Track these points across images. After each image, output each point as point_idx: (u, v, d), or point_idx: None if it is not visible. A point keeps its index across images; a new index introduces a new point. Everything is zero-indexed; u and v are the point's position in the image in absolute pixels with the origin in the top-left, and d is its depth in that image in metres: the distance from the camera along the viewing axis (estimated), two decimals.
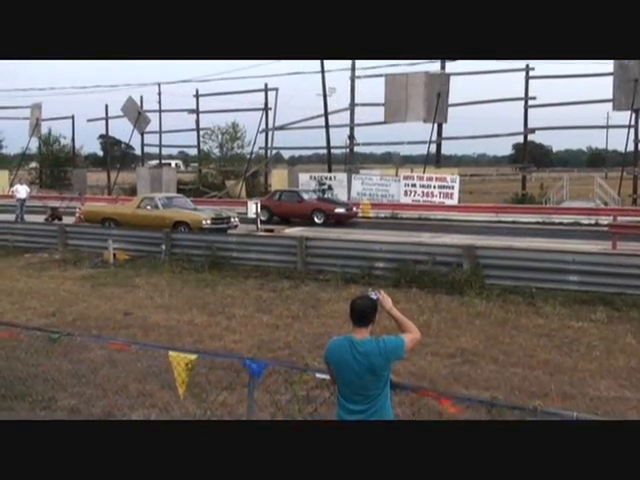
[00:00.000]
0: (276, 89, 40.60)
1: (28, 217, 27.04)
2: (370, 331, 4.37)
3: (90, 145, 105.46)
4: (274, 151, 43.23)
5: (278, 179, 38.55)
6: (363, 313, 4.35)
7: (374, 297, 4.44)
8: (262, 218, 26.83)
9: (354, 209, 29.51)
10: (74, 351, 8.36)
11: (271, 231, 24.01)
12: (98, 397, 7.51)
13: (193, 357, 5.30)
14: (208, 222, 21.34)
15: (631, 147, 33.11)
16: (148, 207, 22.44)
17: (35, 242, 20.23)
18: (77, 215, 25.83)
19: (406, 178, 33.64)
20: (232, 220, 22.93)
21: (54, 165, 49.32)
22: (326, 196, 31.69)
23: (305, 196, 28.91)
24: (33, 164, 53.43)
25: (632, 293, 12.31)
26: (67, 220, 24.97)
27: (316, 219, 27.45)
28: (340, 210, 28.15)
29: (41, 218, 26.10)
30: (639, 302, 11.91)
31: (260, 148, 42.30)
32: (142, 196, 25.08)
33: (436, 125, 36.31)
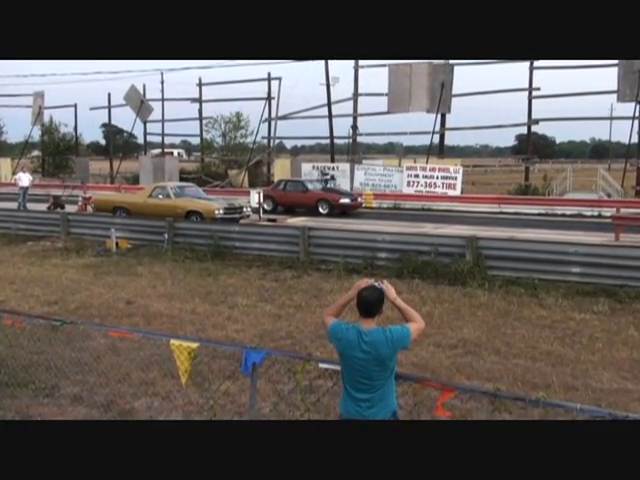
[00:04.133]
0: (279, 78, 40.44)
1: (30, 205, 27.09)
2: (376, 321, 4.38)
3: (92, 134, 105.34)
4: (277, 141, 43.08)
5: (281, 169, 38.44)
6: (371, 305, 4.36)
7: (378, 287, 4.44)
8: (267, 208, 26.78)
9: (359, 199, 29.36)
10: (77, 339, 8.37)
11: (274, 221, 23.99)
12: (101, 385, 7.53)
13: (195, 346, 5.30)
14: (221, 212, 21.17)
15: (635, 139, 32.98)
16: (160, 196, 22.23)
17: (38, 230, 20.24)
18: (80, 203, 25.82)
19: (409, 169, 33.50)
20: (244, 210, 22.82)
21: (56, 153, 49.16)
22: (330, 186, 31.54)
23: (310, 186, 28.73)
24: (35, 152, 53.30)
25: (635, 285, 12.30)
26: (69, 208, 24.96)
27: (321, 209, 27.30)
28: (345, 200, 28.00)
29: (43, 206, 26.09)
30: None
31: (263, 137, 42.16)
32: (154, 185, 24.69)
33: (439, 115, 36.15)
